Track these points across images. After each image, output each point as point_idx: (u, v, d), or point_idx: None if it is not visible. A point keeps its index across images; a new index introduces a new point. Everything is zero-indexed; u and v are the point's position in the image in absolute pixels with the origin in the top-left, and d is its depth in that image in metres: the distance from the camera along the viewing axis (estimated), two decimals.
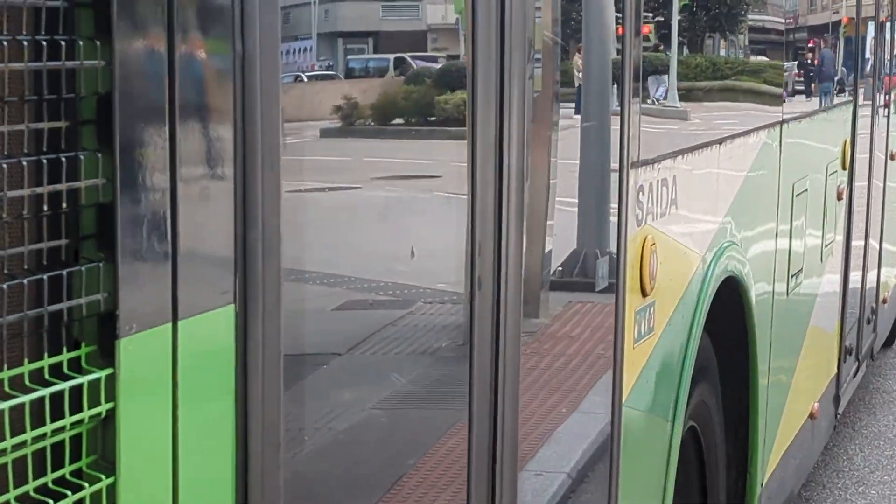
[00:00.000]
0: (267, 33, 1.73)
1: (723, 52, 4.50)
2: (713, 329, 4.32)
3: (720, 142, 3.99)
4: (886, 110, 7.53)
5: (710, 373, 4.28)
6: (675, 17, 3.81)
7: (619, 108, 3.07)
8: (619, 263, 3.08)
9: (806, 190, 5.25)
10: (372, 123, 2.32)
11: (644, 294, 3.28)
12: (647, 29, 3.65)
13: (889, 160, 7.82)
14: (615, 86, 3.09)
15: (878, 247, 7.52)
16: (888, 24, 7.72)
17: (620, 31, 3.13)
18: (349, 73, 2.36)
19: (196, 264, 1.64)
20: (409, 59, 2.48)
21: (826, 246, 5.82)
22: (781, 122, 4.78)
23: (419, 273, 2.38)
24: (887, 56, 7.61)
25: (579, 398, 3.02)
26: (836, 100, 6.18)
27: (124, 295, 1.51)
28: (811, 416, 5.71)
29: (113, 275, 1.50)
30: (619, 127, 3.06)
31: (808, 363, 5.60)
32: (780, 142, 4.77)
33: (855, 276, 6.75)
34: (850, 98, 6.34)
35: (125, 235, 1.51)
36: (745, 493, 4.61)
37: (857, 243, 6.71)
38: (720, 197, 4.04)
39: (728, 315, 4.34)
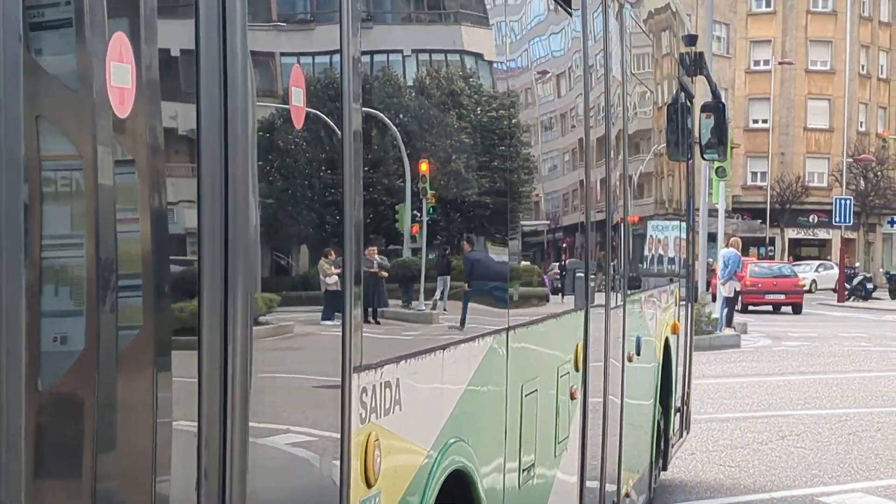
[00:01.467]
0: None
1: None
2: None
3: (444, 347, 4.41)
4: (622, 312, 8.08)
5: None
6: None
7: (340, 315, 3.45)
8: (343, 457, 3.44)
9: (535, 391, 5.70)
10: None
11: (369, 485, 3.63)
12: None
13: (627, 362, 8.38)
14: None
15: (617, 443, 8.02)
16: (621, 226, 8.33)
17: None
18: None
19: None
20: None
21: (560, 442, 6.25)
22: (507, 329, 5.23)
23: None
24: (621, 258, 8.20)
25: None
26: (569, 303, 6.69)
27: None
28: None
29: None
30: (340, 332, 3.44)
31: None
32: (507, 347, 5.22)
33: (593, 471, 7.21)
34: (583, 303, 6.84)
35: None
36: None
37: (594, 440, 7.18)
38: (445, 397, 4.44)
39: None
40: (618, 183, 8.08)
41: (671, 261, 11.14)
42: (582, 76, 6.94)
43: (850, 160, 72.29)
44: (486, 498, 4.84)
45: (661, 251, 10.79)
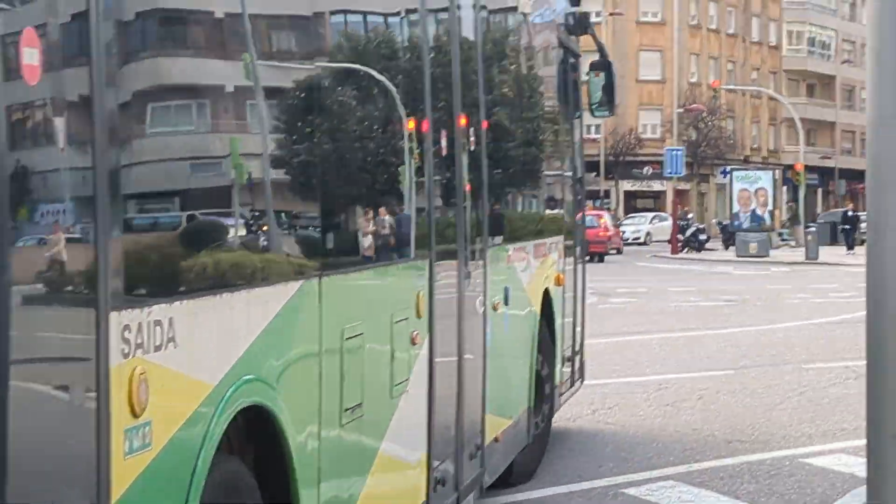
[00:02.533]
0: None
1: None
2: (256, 453, 5.02)
3: (232, 290, 4.69)
4: (482, 263, 8.37)
5: (247, 492, 4.92)
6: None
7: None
8: (100, 389, 3.73)
9: (360, 335, 5.98)
10: None
11: (135, 415, 3.93)
12: None
13: (492, 311, 8.70)
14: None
15: (480, 389, 8.32)
16: (481, 179, 8.62)
17: None
18: None
19: None
20: None
21: (397, 385, 6.54)
22: (320, 275, 5.51)
23: None
24: (479, 211, 8.48)
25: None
26: (407, 252, 6.95)
27: None
28: None
29: None
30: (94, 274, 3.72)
31: (379, 489, 6.29)
32: (320, 292, 5.49)
33: (447, 414, 7.52)
34: (426, 252, 7.11)
35: None
36: None
37: (446, 384, 7.48)
38: (237, 337, 4.71)
39: (266, 442, 5.04)
40: (472, 139, 8.31)
41: (552, 215, 11.44)
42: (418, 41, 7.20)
43: (681, 111, 73.53)
44: (295, 434, 5.13)
45: (538, 205, 11.09)
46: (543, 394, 10.66)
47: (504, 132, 9.65)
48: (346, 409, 5.81)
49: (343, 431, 5.79)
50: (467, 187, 8.07)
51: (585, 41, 13.08)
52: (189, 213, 4.55)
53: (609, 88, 13.24)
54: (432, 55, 7.43)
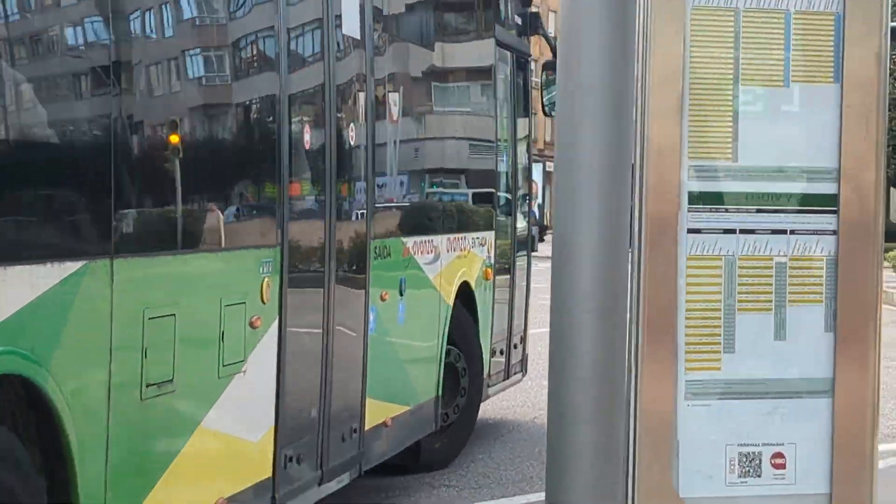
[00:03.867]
0: None
1: None
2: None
3: None
4: (363, 254, 8.68)
5: (10, 460, 5.31)
6: None
7: None
8: None
9: (171, 315, 6.32)
10: None
11: None
12: None
13: (380, 301, 9.04)
14: None
15: (359, 373, 8.64)
16: (359, 162, 8.93)
17: None
18: None
19: None
20: None
21: (226, 366, 6.86)
22: (112, 256, 5.85)
23: None
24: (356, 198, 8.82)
25: None
26: (246, 241, 7.30)
27: None
28: None
29: None
30: None
31: (200, 460, 6.65)
32: (112, 272, 5.83)
33: (305, 397, 7.86)
34: (274, 239, 7.43)
35: None
36: None
37: (304, 368, 7.82)
38: None
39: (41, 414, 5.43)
40: (351, 134, 8.61)
41: (479, 212, 11.69)
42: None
43: None
44: (70, 405, 5.48)
45: (458, 201, 11.39)
46: (458, 385, 10.95)
47: (408, 127, 9.98)
48: (149, 385, 6.14)
49: (144, 406, 6.12)
50: (340, 180, 8.34)
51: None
52: None
53: None
54: (298, 35, 7.79)
